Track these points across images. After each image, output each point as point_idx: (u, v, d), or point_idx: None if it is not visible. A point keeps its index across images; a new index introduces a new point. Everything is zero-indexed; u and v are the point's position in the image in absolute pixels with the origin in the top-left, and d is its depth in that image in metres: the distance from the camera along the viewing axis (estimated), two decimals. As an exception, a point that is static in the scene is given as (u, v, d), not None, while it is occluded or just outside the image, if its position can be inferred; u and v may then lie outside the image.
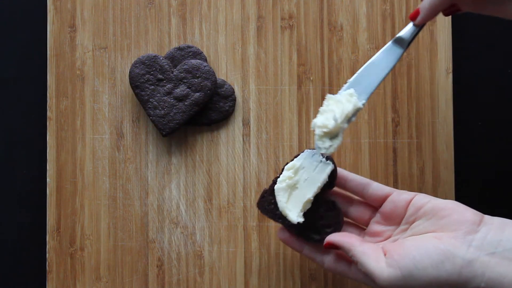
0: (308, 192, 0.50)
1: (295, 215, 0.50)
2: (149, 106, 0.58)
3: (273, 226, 0.59)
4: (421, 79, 0.60)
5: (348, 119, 0.48)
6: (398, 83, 0.60)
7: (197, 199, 0.60)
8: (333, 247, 0.48)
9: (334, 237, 0.48)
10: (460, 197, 0.60)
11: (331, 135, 0.48)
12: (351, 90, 0.49)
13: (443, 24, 0.60)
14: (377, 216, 0.50)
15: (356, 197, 0.52)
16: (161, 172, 0.60)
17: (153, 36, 0.61)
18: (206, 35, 0.61)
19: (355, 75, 0.49)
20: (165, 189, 0.60)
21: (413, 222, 0.48)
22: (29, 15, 0.64)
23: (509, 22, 0.63)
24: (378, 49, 0.60)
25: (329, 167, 0.50)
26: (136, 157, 0.60)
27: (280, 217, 0.51)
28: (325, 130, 0.47)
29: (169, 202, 0.60)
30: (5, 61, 0.63)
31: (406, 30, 0.50)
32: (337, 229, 0.51)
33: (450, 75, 0.60)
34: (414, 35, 0.50)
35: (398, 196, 0.49)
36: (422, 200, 0.48)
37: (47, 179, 0.60)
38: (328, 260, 0.50)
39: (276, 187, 0.51)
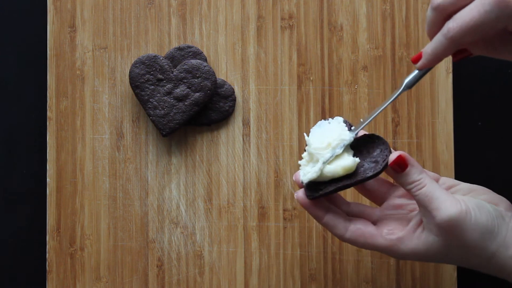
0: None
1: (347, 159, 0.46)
2: (149, 106, 0.58)
3: (273, 226, 0.59)
4: (421, 79, 0.60)
5: (332, 150, 0.47)
6: (398, 83, 0.60)
7: (197, 199, 0.60)
8: (403, 163, 0.45)
9: (403, 153, 0.45)
10: (460, 197, 0.61)
11: (312, 161, 0.48)
12: (340, 119, 0.49)
13: None
14: (399, 191, 0.51)
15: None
16: (161, 172, 0.60)
17: (153, 36, 0.61)
18: (206, 35, 0.61)
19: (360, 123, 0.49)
20: (165, 189, 0.60)
21: None
22: (29, 15, 0.64)
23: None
24: (378, 49, 0.60)
25: (339, 118, 0.49)
26: (136, 157, 0.60)
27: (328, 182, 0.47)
28: (307, 158, 0.48)
29: (169, 202, 0.60)
30: (5, 61, 0.63)
31: (410, 75, 0.48)
32: (386, 166, 0.47)
33: (450, 75, 0.60)
34: (419, 78, 0.48)
35: (427, 172, 0.49)
36: (452, 181, 0.50)
37: (47, 179, 0.60)
38: (353, 229, 0.48)
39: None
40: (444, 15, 0.44)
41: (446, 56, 0.45)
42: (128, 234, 0.60)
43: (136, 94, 0.59)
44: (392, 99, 0.48)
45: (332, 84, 0.60)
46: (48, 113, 0.60)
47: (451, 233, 0.45)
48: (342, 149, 0.47)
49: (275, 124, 0.60)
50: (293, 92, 0.60)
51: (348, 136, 0.47)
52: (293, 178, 0.50)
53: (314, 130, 0.49)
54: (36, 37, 0.63)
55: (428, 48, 0.46)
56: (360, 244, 0.48)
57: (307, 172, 0.47)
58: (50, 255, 0.60)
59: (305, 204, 0.48)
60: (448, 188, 0.49)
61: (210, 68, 0.59)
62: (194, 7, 0.61)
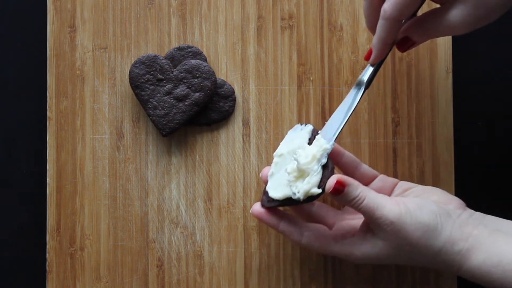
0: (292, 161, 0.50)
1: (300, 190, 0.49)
2: (149, 106, 0.58)
3: (263, 184, 0.59)
4: (421, 79, 0.60)
5: (318, 161, 0.49)
6: (398, 83, 0.60)
7: (197, 199, 0.60)
8: (340, 187, 0.46)
9: (341, 176, 0.47)
10: (460, 197, 0.60)
11: (303, 176, 0.49)
12: (318, 136, 0.51)
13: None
14: None
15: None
16: (161, 172, 0.60)
17: (153, 36, 0.61)
18: (206, 35, 0.61)
19: (324, 126, 0.51)
20: (165, 189, 0.60)
21: None
22: (29, 15, 0.64)
23: (509, 22, 0.63)
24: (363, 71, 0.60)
25: (309, 127, 0.52)
26: (136, 157, 0.60)
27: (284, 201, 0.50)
28: (294, 174, 0.49)
29: (169, 202, 0.60)
30: (5, 61, 0.63)
31: (365, 72, 0.51)
32: (332, 173, 0.50)
33: (450, 75, 0.60)
34: (374, 75, 0.51)
35: (386, 178, 0.54)
36: (408, 184, 0.54)
37: (47, 179, 0.60)
38: (308, 234, 0.50)
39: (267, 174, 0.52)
40: (378, 4, 0.48)
41: (391, 39, 0.48)
42: (128, 234, 0.60)
43: (136, 94, 0.59)
44: (357, 102, 0.50)
45: (332, 84, 0.60)
46: (48, 113, 0.60)
47: (395, 235, 0.46)
48: (326, 158, 0.49)
49: (275, 124, 0.60)
50: (293, 92, 0.60)
51: (329, 145, 0.49)
52: (261, 175, 0.53)
53: (289, 136, 0.53)
54: (36, 37, 0.63)
55: (374, 38, 0.48)
56: (316, 249, 0.51)
57: (301, 188, 0.49)
58: (50, 255, 0.60)
59: (260, 215, 0.51)
60: (403, 191, 0.53)
61: (210, 68, 0.59)
62: (194, 7, 0.61)
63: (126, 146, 0.60)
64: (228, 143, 0.60)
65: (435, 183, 0.59)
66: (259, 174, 0.60)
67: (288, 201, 0.50)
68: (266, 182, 0.52)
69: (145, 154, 0.60)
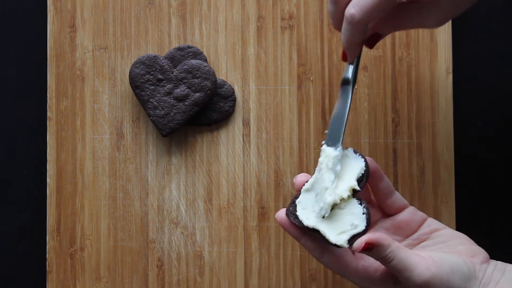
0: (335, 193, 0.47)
1: (334, 234, 0.46)
2: (149, 106, 0.58)
3: (273, 226, 0.59)
4: (421, 79, 0.60)
5: (332, 170, 0.47)
6: (398, 83, 0.60)
7: (197, 199, 0.60)
8: (369, 248, 0.44)
9: (371, 237, 0.44)
10: (460, 197, 0.61)
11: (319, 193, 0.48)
12: (323, 147, 0.48)
13: (443, 25, 0.60)
14: (388, 223, 0.50)
15: (373, 198, 0.51)
16: (161, 172, 0.60)
17: (153, 36, 0.61)
18: (206, 35, 0.61)
19: (327, 135, 0.49)
20: (165, 189, 0.60)
21: (424, 240, 0.49)
22: (29, 15, 0.64)
23: (510, 22, 0.63)
24: (378, 49, 0.60)
25: (361, 163, 0.47)
26: (136, 157, 0.60)
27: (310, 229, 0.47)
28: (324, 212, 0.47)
29: (169, 202, 0.60)
30: (5, 61, 0.63)
31: (347, 70, 0.50)
32: (366, 230, 0.46)
33: (450, 75, 0.60)
34: (356, 70, 0.50)
35: (416, 212, 0.50)
36: (437, 224, 0.50)
37: (47, 179, 0.60)
38: (327, 255, 0.48)
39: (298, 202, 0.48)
40: (344, 4, 0.46)
41: (360, 40, 0.47)
42: (128, 234, 0.60)
43: (136, 94, 0.59)
44: (350, 100, 0.49)
45: (332, 84, 0.60)
46: (48, 113, 0.60)
47: None
48: (339, 164, 0.47)
49: (275, 124, 0.60)
50: (293, 92, 0.60)
51: (337, 151, 0.47)
52: (294, 181, 0.50)
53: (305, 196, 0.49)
54: (36, 37, 0.63)
55: (343, 41, 0.47)
56: (334, 271, 0.48)
57: (330, 232, 0.46)
58: (50, 255, 0.60)
59: (284, 225, 0.48)
60: (431, 232, 0.50)
61: (210, 68, 0.59)
62: (194, 7, 0.61)
63: (126, 146, 0.60)
64: (228, 143, 0.60)
65: (435, 183, 0.59)
66: (259, 174, 0.60)
67: (315, 232, 0.46)
68: (298, 190, 0.49)
69: (145, 154, 0.60)
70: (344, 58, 0.49)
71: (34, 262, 0.62)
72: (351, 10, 0.44)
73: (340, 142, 0.48)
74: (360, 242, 0.44)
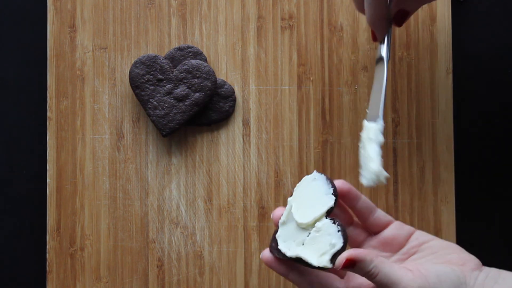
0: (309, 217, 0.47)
1: (314, 257, 0.46)
2: (149, 106, 0.58)
3: (273, 226, 0.59)
4: (421, 79, 0.60)
5: (376, 141, 0.47)
6: (398, 83, 0.60)
7: (197, 199, 0.60)
8: (351, 264, 0.44)
9: (352, 252, 0.44)
10: (460, 197, 0.61)
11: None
12: (365, 122, 0.48)
13: (443, 25, 0.60)
14: (374, 241, 0.50)
15: (356, 219, 0.51)
16: (161, 172, 0.60)
17: (153, 36, 0.61)
18: (206, 35, 0.61)
19: (368, 110, 0.49)
20: (165, 189, 0.60)
21: (413, 254, 0.49)
22: (29, 15, 0.64)
23: (509, 22, 0.63)
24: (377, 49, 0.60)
25: (323, 177, 0.48)
26: (136, 157, 0.60)
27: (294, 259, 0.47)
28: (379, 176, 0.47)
29: (169, 202, 0.60)
30: (5, 61, 0.63)
31: (380, 49, 0.50)
32: (344, 246, 0.46)
33: (450, 75, 0.60)
34: (388, 48, 0.50)
35: (401, 226, 0.50)
36: (425, 236, 0.50)
37: (47, 179, 0.60)
38: (318, 286, 0.47)
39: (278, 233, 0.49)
40: None
41: (384, 13, 0.47)
42: (128, 234, 0.60)
43: (136, 94, 0.59)
44: (385, 76, 0.49)
45: (332, 84, 0.60)
46: (48, 113, 0.60)
47: None
48: (381, 135, 0.47)
49: (275, 124, 0.60)
50: (293, 92, 0.60)
51: (379, 124, 0.48)
52: (272, 216, 0.49)
53: (299, 189, 0.49)
54: (36, 37, 0.63)
55: (367, 18, 0.48)
56: None
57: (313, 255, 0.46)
58: (50, 255, 0.60)
59: (270, 263, 0.48)
60: (420, 245, 0.49)
61: (210, 68, 0.59)
62: (194, 7, 0.61)
63: (126, 146, 0.60)
64: (228, 143, 0.60)
65: (435, 183, 0.59)
66: (259, 175, 0.60)
67: (299, 261, 0.47)
68: (276, 225, 0.49)
69: (145, 154, 0.60)
70: (374, 37, 0.50)
71: (34, 262, 0.62)
72: None
73: (380, 116, 0.48)
74: (340, 259, 0.44)
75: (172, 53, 0.60)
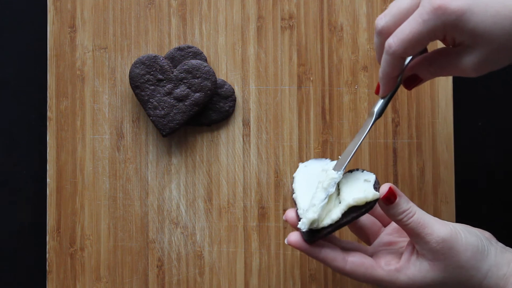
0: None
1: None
2: (149, 106, 0.58)
3: (273, 226, 0.59)
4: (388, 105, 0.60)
5: (325, 190, 0.47)
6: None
7: (197, 199, 0.60)
8: (393, 195, 0.45)
9: (392, 185, 0.45)
10: (460, 197, 0.61)
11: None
12: (329, 170, 0.48)
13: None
14: (389, 229, 0.52)
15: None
16: (161, 173, 0.60)
17: (153, 36, 0.61)
18: (206, 35, 0.61)
19: (338, 160, 0.49)
20: (165, 190, 0.60)
21: None
22: (29, 15, 0.64)
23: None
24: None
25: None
26: (136, 157, 0.60)
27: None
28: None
29: (169, 203, 0.60)
30: (5, 61, 0.63)
31: (376, 104, 0.50)
32: (377, 180, 0.47)
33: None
34: (385, 106, 0.50)
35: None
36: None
37: (47, 179, 0.60)
38: (352, 260, 0.47)
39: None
40: (388, 36, 0.46)
41: (396, 74, 0.47)
42: (128, 234, 0.60)
43: (136, 94, 0.59)
44: (367, 131, 0.49)
45: (332, 84, 0.60)
46: (48, 113, 0.60)
47: (445, 255, 0.45)
48: (334, 187, 0.47)
49: (275, 124, 0.60)
50: (293, 92, 0.60)
51: (337, 175, 0.47)
52: (285, 218, 0.49)
53: (299, 175, 0.50)
54: (36, 37, 0.63)
55: (380, 72, 0.47)
56: (360, 275, 0.47)
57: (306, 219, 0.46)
58: (50, 255, 0.60)
59: (302, 247, 0.47)
60: None
61: (210, 68, 0.59)
62: (194, 7, 0.61)
63: (126, 146, 0.60)
64: (228, 143, 0.60)
65: (435, 183, 0.59)
66: (259, 175, 0.60)
67: (346, 215, 0.46)
68: (294, 226, 0.48)
69: (145, 154, 0.60)
70: (377, 91, 0.49)
71: (34, 262, 0.62)
72: (390, 40, 0.45)
73: (343, 167, 0.47)
74: (384, 186, 0.46)
75: (172, 53, 0.60)
